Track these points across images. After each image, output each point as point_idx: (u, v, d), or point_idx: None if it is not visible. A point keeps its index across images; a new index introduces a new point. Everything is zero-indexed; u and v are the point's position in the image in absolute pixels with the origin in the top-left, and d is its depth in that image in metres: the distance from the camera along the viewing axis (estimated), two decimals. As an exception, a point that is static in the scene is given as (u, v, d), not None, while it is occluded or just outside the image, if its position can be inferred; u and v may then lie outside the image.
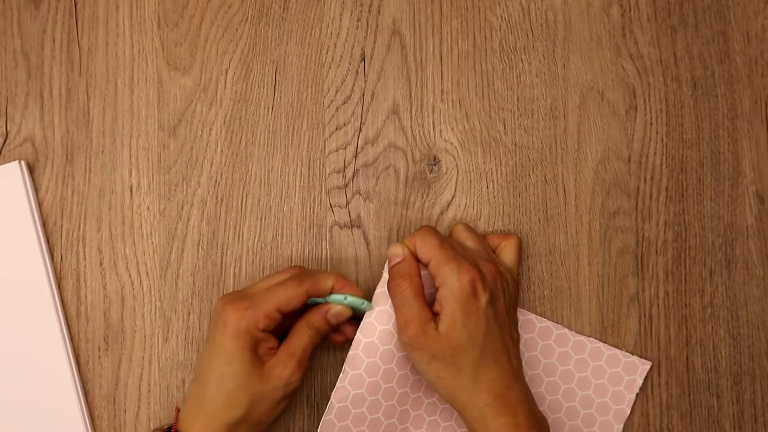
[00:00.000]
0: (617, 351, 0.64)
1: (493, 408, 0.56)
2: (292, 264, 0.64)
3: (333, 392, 0.60)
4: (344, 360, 0.60)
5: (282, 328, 0.59)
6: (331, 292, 0.59)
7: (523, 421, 0.56)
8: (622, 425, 0.63)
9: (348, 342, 0.61)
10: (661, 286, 0.65)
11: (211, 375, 0.56)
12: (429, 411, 0.62)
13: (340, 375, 0.59)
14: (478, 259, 0.58)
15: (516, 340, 0.59)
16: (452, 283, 0.56)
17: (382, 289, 0.60)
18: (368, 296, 0.60)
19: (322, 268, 0.64)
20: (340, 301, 0.59)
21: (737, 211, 0.66)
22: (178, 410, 0.58)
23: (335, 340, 0.62)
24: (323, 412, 0.60)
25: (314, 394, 0.64)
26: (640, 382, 0.63)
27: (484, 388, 0.56)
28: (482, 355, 0.56)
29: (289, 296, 0.57)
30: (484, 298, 0.56)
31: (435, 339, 0.56)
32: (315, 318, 0.59)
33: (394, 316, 0.59)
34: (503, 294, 0.58)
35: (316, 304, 0.59)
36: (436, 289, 0.57)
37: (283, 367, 0.57)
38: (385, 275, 0.60)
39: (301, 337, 0.58)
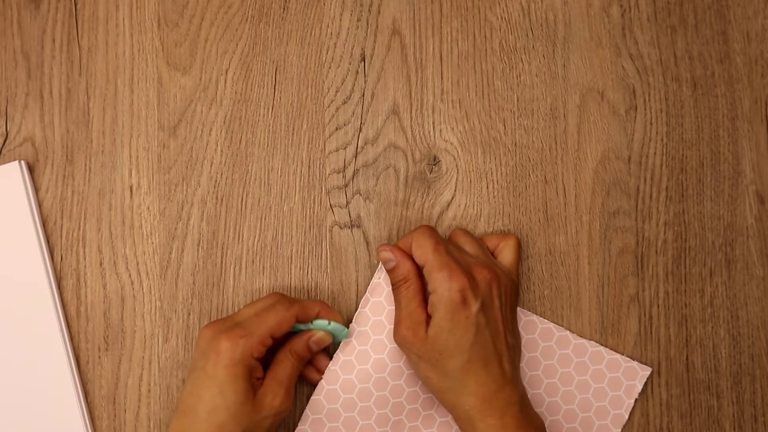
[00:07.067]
0: (618, 355, 0.63)
1: (479, 410, 0.56)
2: (289, 266, 0.64)
3: (323, 374, 0.61)
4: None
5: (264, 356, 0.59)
6: (316, 318, 0.59)
7: (510, 421, 0.56)
8: (619, 430, 0.63)
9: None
10: (661, 286, 0.65)
11: (201, 407, 0.55)
12: (425, 406, 0.62)
13: (332, 359, 0.61)
14: (474, 265, 0.58)
15: (511, 345, 0.58)
16: (442, 291, 0.56)
17: (364, 309, 0.62)
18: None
19: (321, 269, 0.64)
20: (324, 327, 0.59)
21: (737, 211, 0.66)
22: None
23: (312, 378, 0.62)
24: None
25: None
26: (639, 387, 0.63)
27: (470, 392, 0.56)
28: (469, 361, 0.56)
29: (279, 321, 0.57)
30: (474, 306, 0.56)
31: (423, 341, 0.57)
32: (298, 345, 0.59)
33: (387, 308, 0.61)
34: (498, 299, 0.58)
35: (296, 333, 0.60)
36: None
37: (273, 396, 0.56)
38: (374, 280, 0.62)
39: (285, 365, 0.58)
